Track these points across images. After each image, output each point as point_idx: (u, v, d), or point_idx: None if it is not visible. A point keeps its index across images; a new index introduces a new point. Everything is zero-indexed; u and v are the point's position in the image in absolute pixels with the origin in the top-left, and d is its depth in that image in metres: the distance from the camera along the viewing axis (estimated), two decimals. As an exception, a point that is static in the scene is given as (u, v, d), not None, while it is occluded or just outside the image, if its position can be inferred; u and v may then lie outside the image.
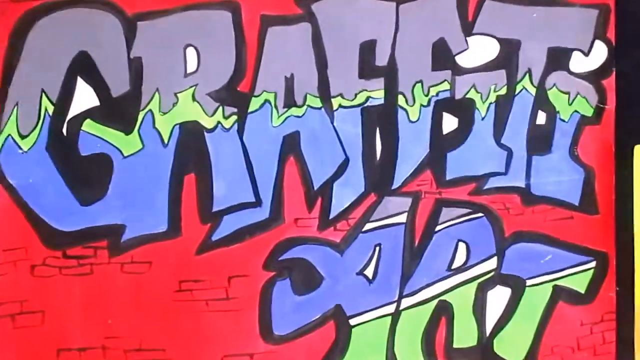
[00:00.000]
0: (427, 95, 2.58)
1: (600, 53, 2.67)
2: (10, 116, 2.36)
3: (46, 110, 2.37)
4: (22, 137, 2.36)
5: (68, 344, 2.43)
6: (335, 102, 2.51)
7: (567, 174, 2.70)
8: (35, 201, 2.40)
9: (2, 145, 2.35)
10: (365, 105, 2.55)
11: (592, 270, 2.73)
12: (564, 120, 2.66)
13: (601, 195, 2.69)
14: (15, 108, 2.34)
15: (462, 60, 2.60)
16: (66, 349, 2.42)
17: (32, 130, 2.37)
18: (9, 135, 2.35)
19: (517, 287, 2.71)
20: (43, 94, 2.37)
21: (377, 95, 2.55)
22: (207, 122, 2.44)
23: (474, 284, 2.67)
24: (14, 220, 2.38)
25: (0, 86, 2.36)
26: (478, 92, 2.61)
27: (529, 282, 2.72)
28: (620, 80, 2.66)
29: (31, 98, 2.37)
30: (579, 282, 2.73)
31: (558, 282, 2.72)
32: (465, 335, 2.69)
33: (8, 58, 2.35)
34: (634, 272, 2.69)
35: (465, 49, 2.59)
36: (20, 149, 2.36)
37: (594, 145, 2.70)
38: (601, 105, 2.69)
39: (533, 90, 2.63)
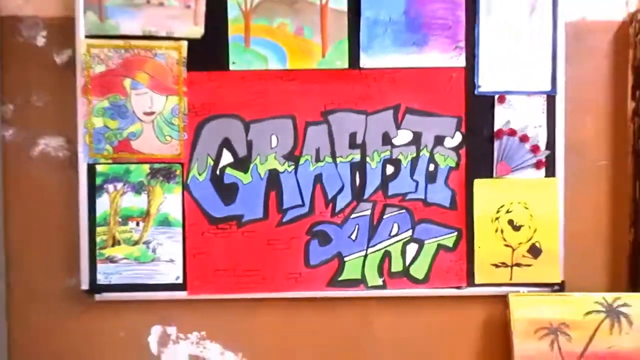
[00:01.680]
0: (379, 156, 3.36)
1: (458, 138, 3.40)
2: (194, 165, 3.37)
3: (210, 163, 3.36)
4: (199, 174, 3.35)
5: (218, 268, 3.42)
6: (338, 160, 3.34)
7: (444, 193, 3.44)
8: (205, 203, 3.39)
9: (190, 178, 3.37)
10: (352, 161, 3.37)
11: (455, 236, 3.45)
12: (441, 167, 3.41)
13: (459, 202, 3.43)
14: (196, 162, 3.36)
15: (396, 140, 3.38)
16: (218, 270, 3.42)
17: (204, 171, 3.36)
18: (194, 174, 3.36)
19: (421, 244, 3.45)
20: (207, 156, 3.37)
21: (357, 157, 3.36)
22: (280, 168, 3.33)
23: (401, 242, 3.42)
24: (195, 212, 3.38)
25: (190, 152, 3.35)
26: (403, 155, 3.39)
27: (426, 242, 3.46)
28: (468, 150, 3.40)
29: (203, 158, 3.35)
30: (449, 241, 3.45)
31: (439, 242, 3.45)
32: (397, 266, 3.44)
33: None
34: (474, 238, 3.43)
35: (397, 136, 3.38)
36: (198, 180, 3.37)
37: (456, 179, 3.43)
38: (459, 162, 3.42)
39: (428, 154, 3.38)
